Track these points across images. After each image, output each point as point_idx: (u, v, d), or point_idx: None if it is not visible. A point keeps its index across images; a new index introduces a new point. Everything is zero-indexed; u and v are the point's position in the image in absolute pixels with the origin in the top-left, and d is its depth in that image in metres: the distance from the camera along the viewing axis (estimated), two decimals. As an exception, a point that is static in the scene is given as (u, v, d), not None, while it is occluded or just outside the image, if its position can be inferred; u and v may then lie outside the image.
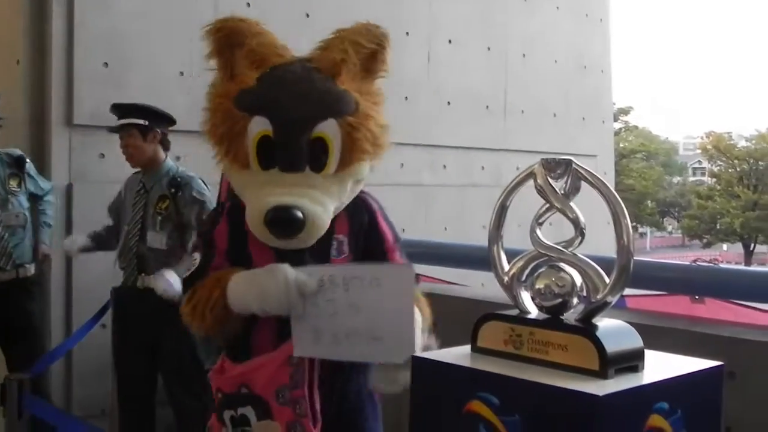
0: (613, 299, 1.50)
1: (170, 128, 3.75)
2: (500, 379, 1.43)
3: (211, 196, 3.60)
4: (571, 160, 1.56)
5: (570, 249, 1.55)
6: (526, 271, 1.61)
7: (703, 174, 43.45)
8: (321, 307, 1.87)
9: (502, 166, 5.99)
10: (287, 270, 1.87)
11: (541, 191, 1.57)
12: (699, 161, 44.42)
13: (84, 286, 4.19)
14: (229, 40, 1.98)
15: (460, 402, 1.46)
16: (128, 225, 3.68)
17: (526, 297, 1.60)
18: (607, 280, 1.50)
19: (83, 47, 4.18)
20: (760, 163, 33.66)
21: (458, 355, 1.59)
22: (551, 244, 1.57)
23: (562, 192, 1.55)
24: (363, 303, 1.84)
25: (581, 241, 1.56)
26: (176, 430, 3.70)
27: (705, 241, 34.16)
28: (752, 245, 33.33)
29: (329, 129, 1.93)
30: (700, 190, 37.02)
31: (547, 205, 1.58)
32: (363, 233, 2.05)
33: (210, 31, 1.98)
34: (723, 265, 2.69)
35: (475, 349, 1.59)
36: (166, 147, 3.71)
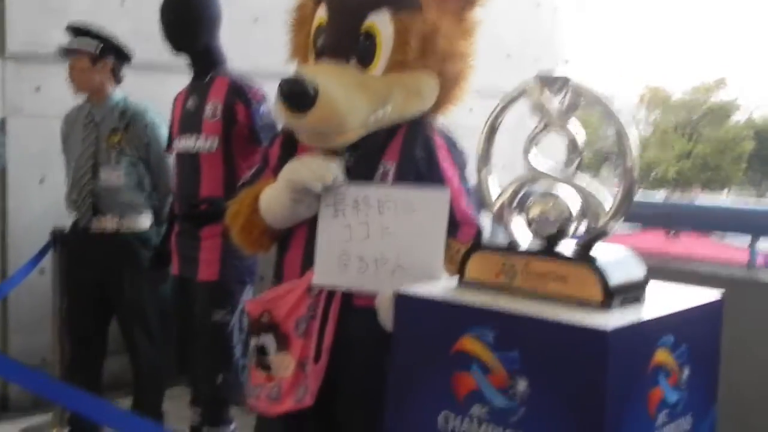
0: (615, 226, 1.38)
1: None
2: (495, 312, 1.30)
3: (164, 128, 3.35)
4: (568, 76, 1.42)
5: (568, 172, 1.41)
6: (518, 197, 1.47)
7: (639, 125, 44.08)
8: (354, 229, 1.79)
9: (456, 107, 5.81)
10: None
11: (536, 109, 1.42)
12: (634, 112, 45.09)
13: (20, 227, 3.96)
14: None
15: (449, 340, 1.33)
16: (77, 161, 3.41)
17: (517, 225, 1.47)
18: (607, 205, 1.37)
19: (16, -29, 3.89)
20: (694, 114, 34.21)
21: (445, 288, 1.47)
22: (547, 166, 1.43)
23: (559, 110, 1.40)
24: (394, 228, 1.77)
25: (580, 163, 1.42)
26: (134, 376, 3.52)
27: (641, 188, 34.73)
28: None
29: (381, 21, 1.83)
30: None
31: (544, 124, 1.43)
32: (416, 168, 1.86)
33: None
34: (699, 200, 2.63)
35: (464, 283, 1.46)
36: (116, 79, 3.45)
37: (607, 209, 1.37)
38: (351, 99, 1.79)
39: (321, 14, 1.89)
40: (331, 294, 1.84)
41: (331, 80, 1.78)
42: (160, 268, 3.26)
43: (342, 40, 1.85)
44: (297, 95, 1.75)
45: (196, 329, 2.94)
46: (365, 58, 1.84)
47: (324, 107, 1.75)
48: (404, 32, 1.82)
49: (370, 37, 1.83)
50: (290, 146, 1.96)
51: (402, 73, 1.84)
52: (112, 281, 3.41)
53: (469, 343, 1.32)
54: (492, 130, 1.50)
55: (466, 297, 1.39)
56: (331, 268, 1.81)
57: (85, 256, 3.44)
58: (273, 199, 1.89)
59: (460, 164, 1.93)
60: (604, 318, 1.24)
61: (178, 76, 3.12)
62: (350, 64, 1.84)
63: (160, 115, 3.43)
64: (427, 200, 1.76)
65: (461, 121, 2.08)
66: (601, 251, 1.38)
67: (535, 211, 1.42)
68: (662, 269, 2.43)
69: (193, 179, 2.93)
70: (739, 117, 34.76)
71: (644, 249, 2.76)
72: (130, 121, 3.39)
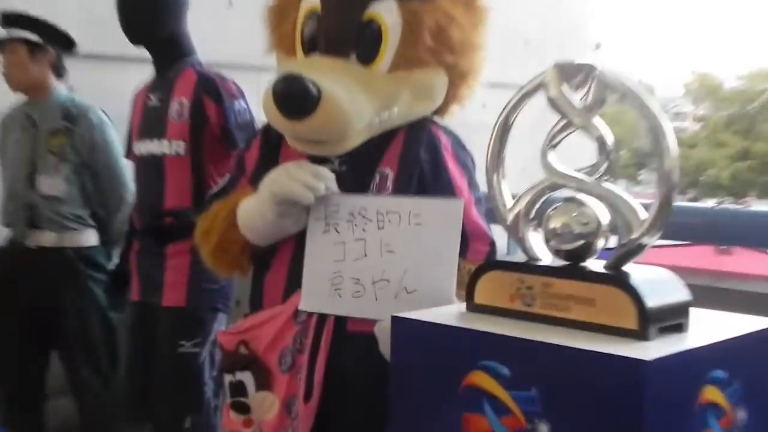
0: (651, 240, 1.38)
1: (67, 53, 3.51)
2: (511, 342, 1.31)
3: (114, 130, 3.40)
4: (593, 65, 1.43)
5: (594, 177, 1.42)
6: (537, 207, 1.48)
7: (684, 119, 44.12)
8: (348, 247, 1.79)
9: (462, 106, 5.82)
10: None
11: (555, 104, 1.43)
12: (678, 104, 45.10)
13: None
14: None
15: (457, 374, 1.34)
16: (11, 168, 3.42)
17: (535, 240, 1.48)
18: (642, 215, 1.37)
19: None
20: (751, 105, 34.17)
21: (451, 314, 1.47)
22: (570, 170, 1.43)
23: (583, 105, 1.42)
24: (398, 244, 1.78)
25: (609, 167, 1.43)
26: (82, 421, 3.49)
27: (689, 196, 34.61)
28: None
29: (386, 11, 1.84)
30: (683, 137, 37.47)
31: (564, 122, 1.45)
32: (420, 174, 1.87)
33: None
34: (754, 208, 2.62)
35: (472, 308, 1.47)
36: (59, 73, 3.46)
37: (642, 220, 1.37)
38: (356, 101, 1.80)
39: (313, 1, 1.89)
40: (321, 320, 1.84)
41: (334, 79, 1.78)
42: (118, 292, 3.25)
43: (340, 32, 1.85)
44: (297, 98, 1.75)
45: (159, 364, 2.93)
46: (367, 54, 1.84)
47: (328, 111, 1.75)
48: (415, 23, 1.82)
49: (373, 30, 1.83)
50: (271, 149, 1.97)
51: (410, 70, 1.84)
52: (53, 308, 3.37)
53: (480, 379, 1.32)
54: (504, 129, 1.51)
55: (476, 324, 1.39)
56: (321, 292, 1.82)
57: (18, 277, 3.40)
58: (254, 213, 1.88)
59: (468, 168, 1.94)
60: (640, 348, 1.24)
61: (139, 68, 3.12)
62: (350, 59, 1.84)
63: (113, 116, 3.43)
64: (436, 211, 1.76)
65: (473, 119, 2.09)
66: (635, 270, 1.38)
67: (556, 223, 1.41)
68: (712, 290, 2.43)
69: (156, 188, 2.93)
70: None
71: (690, 266, 2.76)
72: (74, 121, 3.38)
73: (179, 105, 2.90)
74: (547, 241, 1.44)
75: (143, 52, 3.04)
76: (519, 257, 1.50)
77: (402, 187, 1.85)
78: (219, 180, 2.83)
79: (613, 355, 1.21)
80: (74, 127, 3.38)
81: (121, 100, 3.24)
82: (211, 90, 2.88)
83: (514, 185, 1.52)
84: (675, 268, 1.48)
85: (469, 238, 1.82)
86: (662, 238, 2.12)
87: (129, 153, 3.18)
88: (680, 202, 1.52)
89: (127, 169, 3.33)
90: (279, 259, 1.93)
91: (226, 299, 2.97)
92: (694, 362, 1.29)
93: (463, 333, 1.38)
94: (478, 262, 1.73)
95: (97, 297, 3.41)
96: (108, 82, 3.83)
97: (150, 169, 2.97)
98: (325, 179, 1.82)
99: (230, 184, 2.05)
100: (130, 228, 3.18)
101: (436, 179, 1.87)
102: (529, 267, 1.44)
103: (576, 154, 1.50)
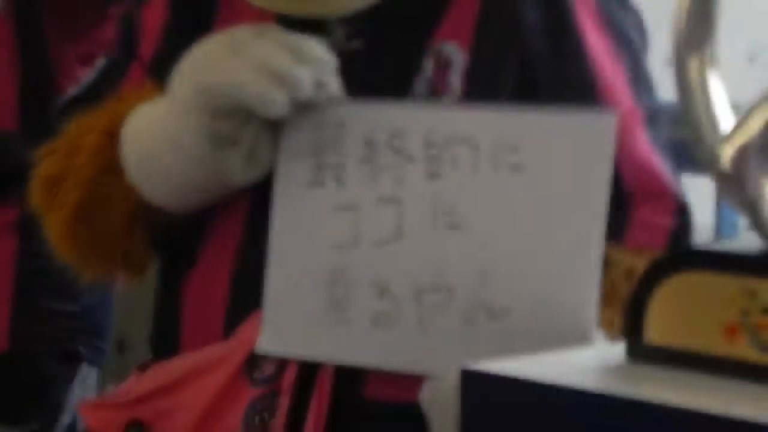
0: None
1: None
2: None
3: None
4: None
5: None
6: None
7: None
8: (365, 217, 1.63)
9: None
10: None
11: None
12: None
13: None
14: None
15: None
16: None
17: None
18: None
19: None
20: None
21: (591, 365, 1.36)
22: None
23: None
24: (473, 212, 1.60)
25: None
26: None
27: None
28: None
29: None
30: None
31: None
32: (523, 55, 1.70)
33: None
34: None
35: (642, 351, 1.32)
36: None
37: None
38: None
39: None
40: (307, 376, 1.70)
41: None
42: None
43: None
44: None
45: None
46: None
47: None
48: None
49: None
50: (196, 3, 1.86)
51: None
52: None
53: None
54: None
55: (653, 390, 1.25)
56: (306, 315, 1.67)
57: None
58: (160, 139, 1.74)
59: (631, 44, 1.78)
60: None
61: None
62: None
63: None
64: (559, 139, 1.60)
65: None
66: None
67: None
68: None
69: None
70: None
71: None
72: None
73: None
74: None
75: None
76: (745, 243, 1.34)
77: (483, 85, 1.71)
78: (79, 72, 2.72)
79: None
80: None
81: None
82: None
83: (736, 85, 1.36)
84: None
85: (630, 196, 1.69)
86: None
87: None
88: None
89: None
90: (215, 246, 1.80)
91: (95, 335, 2.91)
92: None
93: (623, 408, 1.21)
94: (651, 250, 1.59)
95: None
96: None
97: None
98: (316, 64, 1.66)
99: (105, 79, 1.93)
100: None
101: (561, 66, 1.73)
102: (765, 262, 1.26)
103: None
